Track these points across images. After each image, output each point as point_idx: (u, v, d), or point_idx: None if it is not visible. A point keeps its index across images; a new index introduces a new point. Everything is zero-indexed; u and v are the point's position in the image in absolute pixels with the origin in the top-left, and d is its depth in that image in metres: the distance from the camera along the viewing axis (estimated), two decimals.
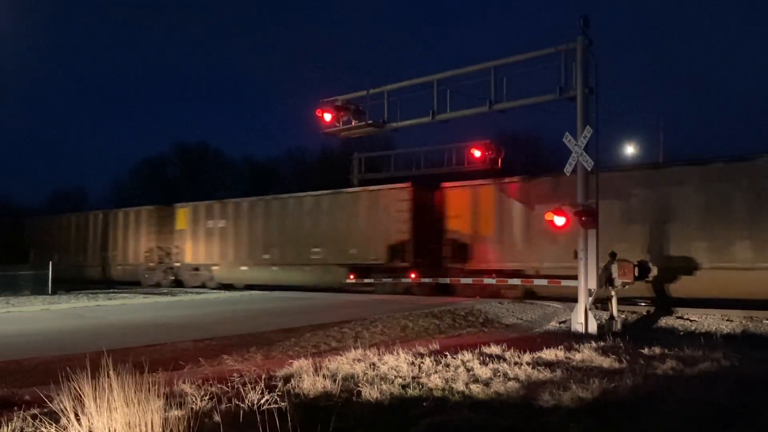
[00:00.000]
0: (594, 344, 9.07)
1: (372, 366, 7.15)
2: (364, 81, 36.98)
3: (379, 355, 7.71)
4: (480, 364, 7.29)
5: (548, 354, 8.10)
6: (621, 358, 7.72)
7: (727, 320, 13.23)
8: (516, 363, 7.42)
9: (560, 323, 13.22)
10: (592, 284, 11.67)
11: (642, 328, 12.83)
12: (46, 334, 10.74)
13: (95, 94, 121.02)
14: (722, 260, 14.84)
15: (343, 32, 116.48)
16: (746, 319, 13.20)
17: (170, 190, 48.94)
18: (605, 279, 12.20)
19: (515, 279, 17.62)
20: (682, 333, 12.12)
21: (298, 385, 6.16)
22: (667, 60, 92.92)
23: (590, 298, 11.66)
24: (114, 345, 8.20)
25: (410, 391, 6.11)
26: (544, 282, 17.07)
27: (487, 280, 18.07)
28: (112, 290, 23.04)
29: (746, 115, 73.92)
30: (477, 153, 20.56)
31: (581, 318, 11.58)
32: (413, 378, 6.62)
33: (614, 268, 12.30)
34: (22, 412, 5.04)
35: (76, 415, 4.47)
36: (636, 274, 12.39)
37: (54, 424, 4.52)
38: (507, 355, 8.02)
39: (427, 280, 19.28)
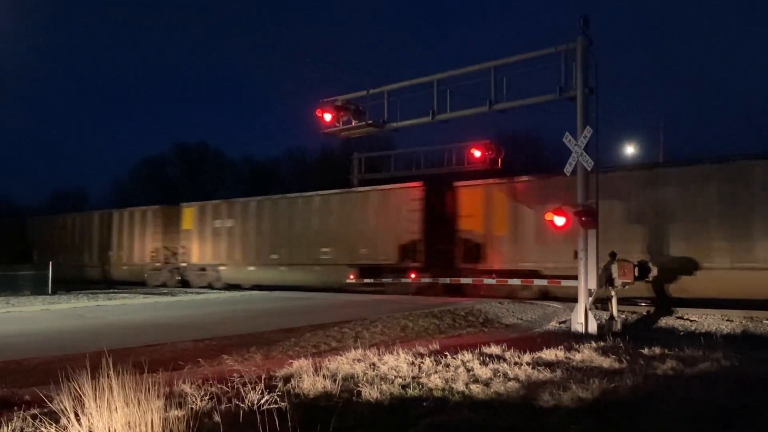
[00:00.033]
0: (594, 344, 9.07)
1: (372, 366, 7.15)
2: (364, 81, 37.11)
3: (379, 355, 7.70)
4: (480, 364, 7.29)
5: (548, 354, 8.10)
6: (621, 358, 7.72)
7: (727, 320, 13.23)
8: (516, 363, 7.41)
9: (560, 323, 13.23)
10: (592, 284, 11.67)
11: (642, 328, 12.83)
12: (46, 334, 10.74)
13: (95, 94, 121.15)
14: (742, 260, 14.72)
15: (343, 32, 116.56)
16: (746, 319, 13.20)
17: (170, 190, 49.02)
18: (605, 279, 12.21)
19: (515, 279, 17.50)
20: (682, 333, 12.12)
21: (298, 385, 6.15)
22: (667, 60, 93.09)
23: (590, 298, 11.66)
24: (114, 345, 8.19)
25: (410, 391, 6.11)
26: (543, 282, 17.02)
27: (488, 281, 17.97)
28: (112, 290, 23.03)
29: (746, 115, 74.09)
30: (477, 153, 20.58)
31: (581, 318, 11.58)
32: (413, 378, 6.62)
33: (614, 268, 12.30)
34: (22, 412, 5.04)
35: (76, 415, 4.47)
36: (636, 274, 12.39)
37: (54, 424, 4.52)
38: (507, 355, 8.02)
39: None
